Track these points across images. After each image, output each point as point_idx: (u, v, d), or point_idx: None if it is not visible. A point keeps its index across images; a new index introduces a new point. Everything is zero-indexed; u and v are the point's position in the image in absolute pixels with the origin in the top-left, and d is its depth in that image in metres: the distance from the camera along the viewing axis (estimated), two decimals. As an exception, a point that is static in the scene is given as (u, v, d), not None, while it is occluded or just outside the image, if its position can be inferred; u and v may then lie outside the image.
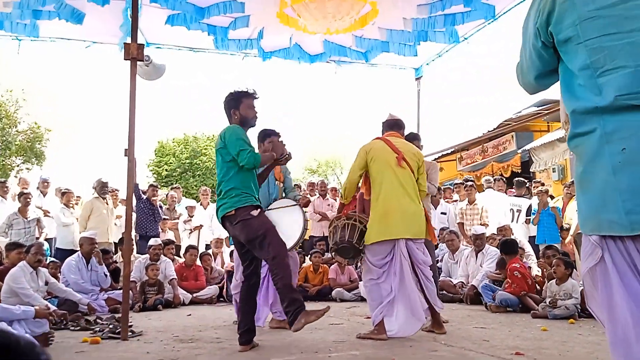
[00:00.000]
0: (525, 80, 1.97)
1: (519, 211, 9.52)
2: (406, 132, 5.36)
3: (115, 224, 9.38)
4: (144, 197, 9.48)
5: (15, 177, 19.12)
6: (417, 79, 9.02)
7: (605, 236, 1.66)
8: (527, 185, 10.60)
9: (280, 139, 5.21)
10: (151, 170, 30.62)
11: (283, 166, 5.49)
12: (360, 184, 4.95)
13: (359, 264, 8.63)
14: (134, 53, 4.94)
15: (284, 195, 5.54)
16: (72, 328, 5.41)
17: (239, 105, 4.43)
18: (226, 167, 4.30)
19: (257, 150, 5.26)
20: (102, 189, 9.02)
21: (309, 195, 9.82)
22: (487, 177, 11.16)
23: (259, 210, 4.22)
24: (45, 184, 9.90)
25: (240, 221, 4.12)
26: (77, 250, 7.94)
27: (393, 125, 5.06)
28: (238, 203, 4.17)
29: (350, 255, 4.85)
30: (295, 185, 10.97)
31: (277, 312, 5.46)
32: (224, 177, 4.30)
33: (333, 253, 5.10)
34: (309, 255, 8.71)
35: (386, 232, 4.55)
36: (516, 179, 10.84)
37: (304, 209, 5.23)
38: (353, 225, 4.70)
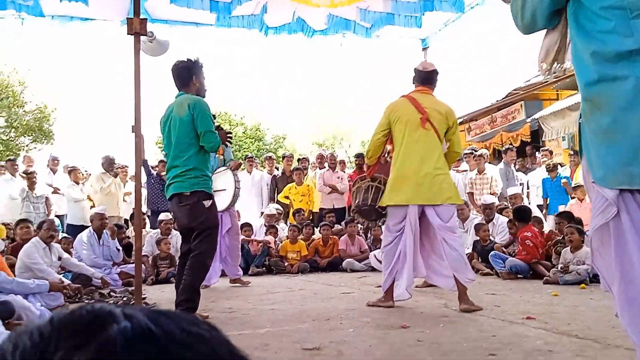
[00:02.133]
0: (528, 21, 1.82)
1: (522, 184, 9.60)
2: None
3: (125, 201, 9.45)
4: (154, 172, 9.53)
5: (23, 157, 19.27)
6: (423, 49, 8.91)
7: (624, 192, 1.58)
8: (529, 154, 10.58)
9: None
10: (160, 148, 30.68)
11: None
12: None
13: (369, 234, 8.66)
14: (137, 28, 4.89)
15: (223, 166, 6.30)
16: (87, 301, 5.49)
17: (200, 73, 4.33)
18: (187, 143, 4.11)
19: None
20: (109, 165, 9.12)
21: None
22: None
23: (211, 201, 4.17)
24: (55, 161, 9.98)
25: (190, 204, 4.03)
26: (88, 226, 8.02)
27: (424, 79, 4.61)
28: (196, 186, 4.07)
29: (372, 217, 4.79)
30: (303, 158, 11.03)
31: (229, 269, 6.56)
32: (182, 152, 4.11)
33: (355, 214, 5.06)
34: (319, 228, 8.73)
35: (396, 197, 4.41)
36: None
37: (236, 171, 6.17)
38: (377, 187, 4.59)
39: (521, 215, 6.93)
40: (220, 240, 6.14)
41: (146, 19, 5.16)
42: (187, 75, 4.27)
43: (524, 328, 3.59)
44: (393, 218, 4.50)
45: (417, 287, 5.85)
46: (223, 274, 6.76)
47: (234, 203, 6.08)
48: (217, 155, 6.26)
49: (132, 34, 4.93)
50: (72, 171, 9.27)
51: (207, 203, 4.07)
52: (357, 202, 4.69)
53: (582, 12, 1.65)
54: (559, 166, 9.73)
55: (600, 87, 1.58)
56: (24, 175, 8.83)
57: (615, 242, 1.65)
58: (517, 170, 10.02)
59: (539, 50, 1.82)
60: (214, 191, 5.81)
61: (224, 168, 6.14)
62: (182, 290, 3.96)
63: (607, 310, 4.06)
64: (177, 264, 4.20)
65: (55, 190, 9.30)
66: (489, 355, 2.90)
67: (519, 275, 6.56)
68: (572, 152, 9.16)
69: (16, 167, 9.33)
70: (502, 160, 10.00)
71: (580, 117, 1.76)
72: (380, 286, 5.95)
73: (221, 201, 5.88)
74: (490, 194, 8.72)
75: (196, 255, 3.99)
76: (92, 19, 7.18)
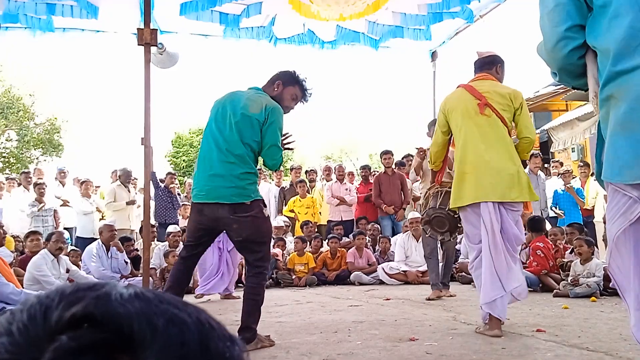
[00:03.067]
0: (551, 46, 1.78)
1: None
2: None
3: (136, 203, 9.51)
4: (162, 185, 9.57)
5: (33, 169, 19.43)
6: (432, 60, 8.93)
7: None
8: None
9: None
10: (169, 161, 30.84)
11: None
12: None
13: (377, 247, 8.61)
14: (147, 38, 4.94)
15: None
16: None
17: (290, 86, 3.78)
18: (250, 147, 3.52)
19: None
20: (126, 177, 9.24)
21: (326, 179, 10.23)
22: None
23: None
24: (63, 174, 10.04)
25: (252, 216, 3.46)
26: (97, 239, 8.05)
27: (483, 64, 4.06)
28: (256, 193, 3.55)
29: (445, 228, 4.20)
30: (311, 170, 11.04)
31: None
32: (241, 151, 3.50)
33: (425, 226, 4.32)
34: (327, 240, 8.70)
35: (464, 196, 3.77)
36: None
37: None
38: (447, 192, 4.07)
39: (535, 226, 6.88)
40: (224, 257, 6.34)
41: (156, 29, 5.21)
42: (275, 78, 3.77)
43: (534, 340, 3.55)
44: (467, 223, 3.87)
45: (427, 299, 5.81)
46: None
47: None
48: None
49: (142, 45, 4.97)
50: (83, 184, 9.35)
51: (267, 211, 3.63)
52: (425, 211, 4.20)
53: (597, 16, 1.65)
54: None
55: (618, 82, 1.55)
56: (34, 185, 8.91)
57: (635, 246, 1.57)
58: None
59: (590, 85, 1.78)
60: None
61: None
62: (250, 312, 3.48)
63: (618, 322, 4.01)
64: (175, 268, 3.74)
65: (65, 203, 9.35)
66: (498, 368, 2.86)
67: (528, 288, 6.49)
68: (581, 164, 9.09)
69: (29, 179, 9.42)
70: (527, 168, 9.91)
71: (598, 128, 1.71)
72: (388, 299, 5.95)
73: None
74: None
75: (261, 273, 3.55)
76: (102, 31, 7.29)
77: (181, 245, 7.97)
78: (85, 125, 30.24)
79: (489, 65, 4.04)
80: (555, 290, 6.03)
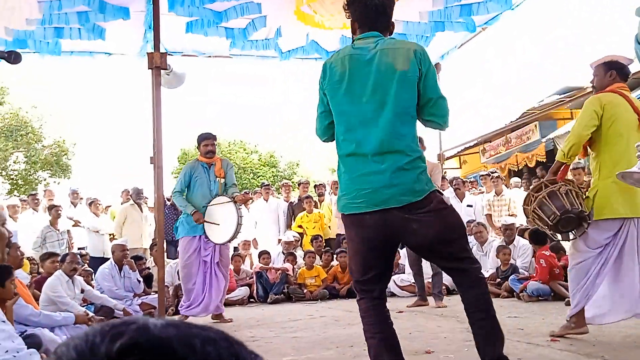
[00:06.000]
0: None
1: None
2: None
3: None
4: (168, 203, 9.64)
5: (43, 191, 19.58)
6: (436, 67, 9.00)
7: None
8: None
9: (215, 143, 6.26)
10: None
11: (225, 162, 6.28)
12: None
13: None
14: (158, 62, 5.04)
15: (225, 191, 6.06)
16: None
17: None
18: (411, 114, 2.63)
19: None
20: (137, 195, 9.33)
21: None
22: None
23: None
24: (75, 194, 10.14)
25: (434, 211, 2.57)
26: (108, 258, 8.10)
27: (623, 74, 4.00)
28: (431, 183, 2.66)
29: (570, 227, 3.93)
30: (320, 184, 11.10)
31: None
32: (402, 129, 2.60)
33: (554, 223, 3.92)
34: (336, 255, 8.74)
35: (627, 208, 3.76)
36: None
37: (240, 205, 5.86)
38: (577, 192, 3.86)
39: (538, 237, 6.90)
40: (215, 271, 6.03)
41: (166, 52, 5.31)
42: (384, 11, 2.74)
43: (549, 350, 3.58)
44: (602, 232, 3.83)
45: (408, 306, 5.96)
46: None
47: (234, 237, 5.91)
48: (217, 179, 6.08)
49: (152, 68, 5.07)
50: (92, 203, 9.44)
51: (448, 200, 2.73)
52: (555, 209, 3.83)
53: None
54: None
55: None
56: (49, 208, 8.94)
57: None
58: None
59: None
60: (209, 223, 5.87)
61: (227, 200, 5.89)
62: (494, 328, 2.56)
63: (632, 330, 4.03)
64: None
65: (76, 223, 9.42)
66: (515, 378, 2.89)
67: (540, 298, 6.51)
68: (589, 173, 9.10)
69: (37, 201, 9.49)
70: None
71: None
72: (401, 312, 5.97)
73: (221, 234, 5.83)
74: (509, 215, 8.70)
75: (480, 275, 2.64)
76: (109, 53, 7.42)
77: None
78: (93, 146, 30.46)
79: (625, 78, 4.02)
80: (567, 299, 6.03)
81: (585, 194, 3.92)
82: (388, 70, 2.59)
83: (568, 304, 5.83)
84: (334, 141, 2.80)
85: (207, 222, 5.89)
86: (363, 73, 2.62)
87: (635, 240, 3.79)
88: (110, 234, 9.56)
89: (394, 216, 2.55)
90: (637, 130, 3.81)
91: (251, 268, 8.96)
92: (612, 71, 3.96)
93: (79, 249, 8.93)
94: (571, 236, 4.04)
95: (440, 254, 2.66)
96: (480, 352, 2.54)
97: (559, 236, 4.23)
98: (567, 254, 6.96)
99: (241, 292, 8.31)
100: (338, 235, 9.65)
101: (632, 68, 4.46)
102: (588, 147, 4.00)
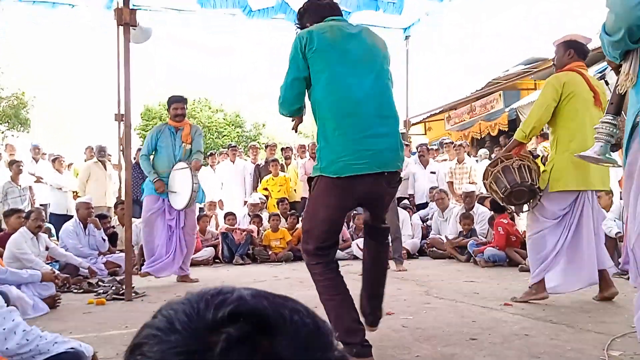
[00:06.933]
0: (634, 4, 1.92)
1: None
2: (397, 93, 4.74)
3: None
4: (133, 162, 9.54)
5: (1, 145, 19.04)
6: (405, 38, 9.07)
7: None
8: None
9: (185, 106, 6.21)
10: (138, 134, 30.46)
11: (194, 128, 6.25)
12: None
13: (351, 224, 8.81)
14: (127, 18, 4.95)
15: (188, 157, 6.05)
16: (76, 291, 5.58)
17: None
18: (391, 94, 2.85)
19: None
20: (100, 153, 9.21)
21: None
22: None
23: None
24: (37, 150, 9.95)
25: (396, 187, 2.90)
26: (71, 216, 8.05)
27: (581, 53, 4.19)
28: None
29: (524, 199, 4.18)
30: (287, 147, 11.14)
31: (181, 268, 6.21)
32: (389, 105, 2.81)
33: (506, 196, 4.18)
34: (302, 218, 8.84)
35: (581, 181, 3.98)
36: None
37: (196, 172, 5.86)
38: (529, 166, 4.09)
39: (496, 205, 7.14)
40: (180, 235, 6.08)
41: (135, 9, 5.21)
42: (334, 4, 2.99)
43: (502, 314, 3.79)
44: (558, 203, 4.07)
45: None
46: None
47: (190, 205, 5.91)
48: (183, 144, 6.05)
49: (122, 25, 4.98)
50: (55, 160, 9.28)
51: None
52: (506, 183, 4.08)
53: None
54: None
55: None
56: (10, 163, 8.74)
57: None
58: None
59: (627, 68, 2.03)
60: (170, 191, 5.91)
61: (185, 165, 5.92)
62: (381, 288, 3.11)
63: (580, 296, 4.28)
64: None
65: (39, 180, 9.28)
66: (469, 339, 3.08)
67: (495, 264, 6.80)
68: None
69: (-1, 156, 9.31)
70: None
71: (637, 117, 1.98)
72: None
73: (178, 201, 5.88)
74: (470, 183, 8.94)
75: (385, 231, 3.08)
76: (73, 5, 7.20)
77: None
78: (54, 100, 29.56)
79: (584, 56, 4.20)
80: (520, 265, 6.32)
81: (539, 168, 4.14)
82: (373, 47, 2.80)
83: (522, 270, 6.14)
84: (298, 113, 2.91)
85: (167, 191, 5.92)
86: (353, 43, 2.75)
87: (590, 213, 4.03)
88: (73, 192, 9.45)
89: (379, 182, 2.71)
90: (593, 107, 4.01)
91: (217, 229, 9.03)
92: (571, 50, 4.16)
93: (40, 205, 8.81)
94: (525, 208, 4.29)
95: (378, 218, 2.97)
96: (364, 303, 3.05)
97: (515, 207, 4.46)
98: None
99: (207, 252, 8.38)
100: (303, 198, 9.75)
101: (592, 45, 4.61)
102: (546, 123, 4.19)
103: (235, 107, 29.42)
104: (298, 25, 3.02)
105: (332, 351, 0.54)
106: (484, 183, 4.35)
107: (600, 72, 8.43)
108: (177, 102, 6.16)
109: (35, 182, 9.21)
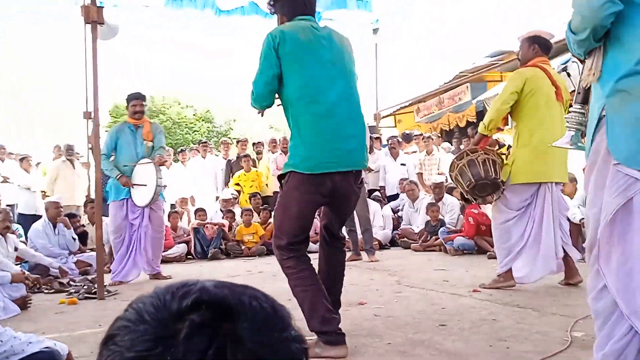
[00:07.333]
0: (599, 5, 2.00)
1: None
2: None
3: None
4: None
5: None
6: (374, 31, 9.16)
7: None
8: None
9: (145, 103, 6.18)
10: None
11: (154, 126, 6.24)
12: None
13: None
14: (94, 16, 4.89)
15: (150, 154, 6.00)
16: (47, 291, 5.52)
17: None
18: (358, 94, 3.01)
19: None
20: (68, 152, 9.08)
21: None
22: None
23: None
24: (2, 150, 9.74)
25: (359, 188, 3.02)
26: (40, 216, 7.93)
27: (545, 48, 4.32)
28: None
29: (487, 192, 4.32)
30: (258, 142, 11.13)
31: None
32: (358, 107, 2.98)
33: (470, 189, 4.31)
34: (274, 212, 8.88)
35: (541, 174, 4.15)
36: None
37: (159, 167, 5.84)
38: (493, 160, 4.21)
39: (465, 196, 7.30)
40: (141, 234, 5.99)
41: (102, 7, 5.15)
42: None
43: (471, 300, 3.91)
44: (520, 195, 4.22)
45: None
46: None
47: (155, 200, 5.84)
48: (144, 142, 6.00)
49: (89, 23, 4.92)
50: (23, 159, 9.13)
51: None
52: (470, 176, 4.21)
53: (626, 26, 1.98)
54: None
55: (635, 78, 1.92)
56: None
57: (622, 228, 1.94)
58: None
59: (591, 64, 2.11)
60: (134, 185, 5.88)
61: (148, 161, 5.86)
62: (339, 287, 3.08)
63: (544, 281, 4.41)
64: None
65: (5, 180, 9.11)
66: (439, 325, 3.18)
67: (465, 252, 6.95)
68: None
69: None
70: None
71: (602, 110, 2.05)
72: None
73: (142, 197, 5.83)
74: (439, 174, 9.08)
75: (344, 256, 3.17)
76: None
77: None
78: (20, 98, 28.91)
79: (548, 51, 4.33)
80: (489, 253, 6.47)
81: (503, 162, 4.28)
82: (342, 49, 2.92)
83: (490, 257, 6.29)
84: (269, 107, 2.99)
85: (133, 184, 5.88)
86: (324, 45, 2.85)
87: (550, 204, 4.18)
88: (42, 191, 9.31)
89: (348, 180, 2.84)
90: (554, 102, 4.15)
91: (188, 225, 9.00)
92: (535, 45, 4.30)
93: (7, 205, 8.66)
94: (489, 199, 4.46)
95: (341, 221, 3.06)
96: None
97: (479, 200, 4.60)
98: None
99: (179, 249, 8.35)
100: (275, 192, 9.78)
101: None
102: (509, 117, 4.33)
103: (233, 109, 29.30)
104: (271, 4, 3.03)
105: (289, 330, 0.59)
106: (450, 175, 4.50)
107: (563, 64, 8.62)
108: (136, 99, 6.08)
109: (1, 182, 9.04)
